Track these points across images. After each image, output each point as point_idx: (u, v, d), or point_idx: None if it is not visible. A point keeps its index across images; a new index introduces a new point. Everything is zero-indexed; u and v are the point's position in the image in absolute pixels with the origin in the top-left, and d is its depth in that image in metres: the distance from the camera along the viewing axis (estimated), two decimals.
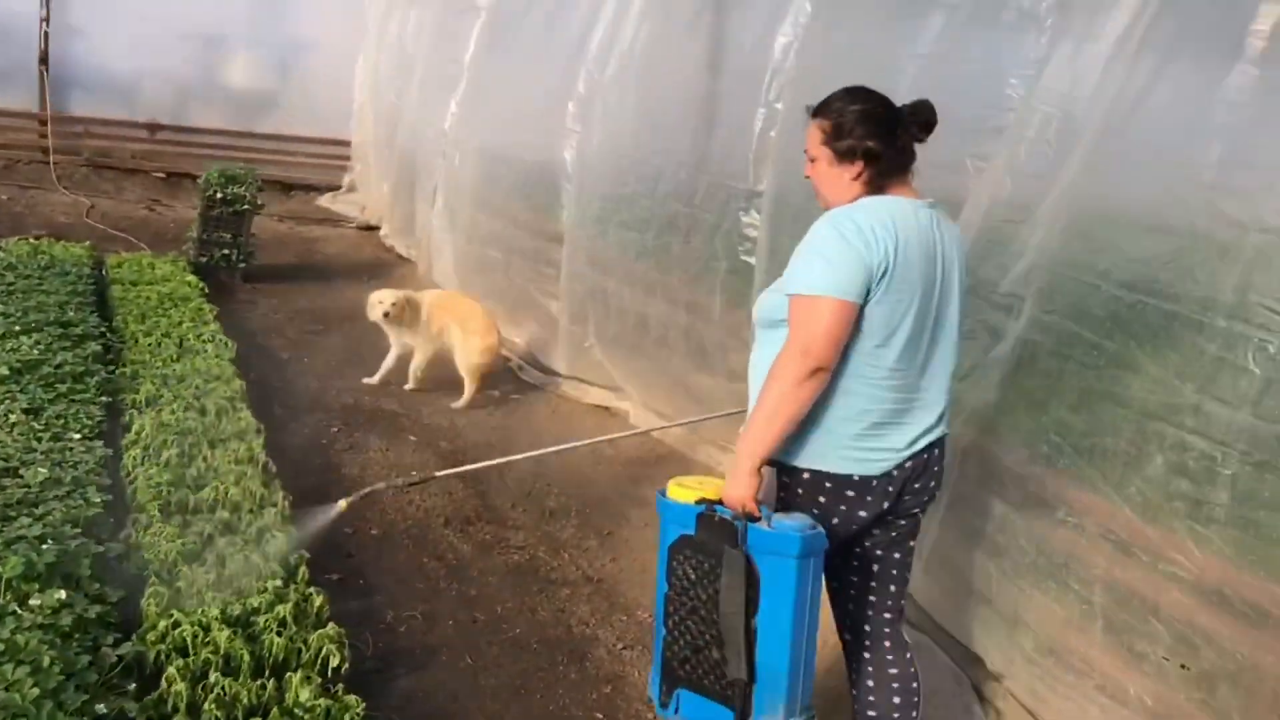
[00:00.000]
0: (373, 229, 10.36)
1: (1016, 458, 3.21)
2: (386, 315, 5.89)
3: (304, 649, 3.00)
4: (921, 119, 2.69)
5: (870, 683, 2.89)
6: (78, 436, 4.07)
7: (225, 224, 7.91)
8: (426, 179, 8.55)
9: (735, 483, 2.60)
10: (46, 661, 2.61)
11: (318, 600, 3.24)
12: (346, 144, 11.65)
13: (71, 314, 5.63)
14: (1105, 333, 2.96)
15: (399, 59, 9.84)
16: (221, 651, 2.90)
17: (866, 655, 2.89)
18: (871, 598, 2.86)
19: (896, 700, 2.85)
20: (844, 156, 2.69)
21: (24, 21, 10.97)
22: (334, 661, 2.99)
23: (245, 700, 2.75)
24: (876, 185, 2.68)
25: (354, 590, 3.80)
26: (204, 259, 7.81)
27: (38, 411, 4.23)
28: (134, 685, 2.77)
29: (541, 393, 6.27)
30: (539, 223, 6.58)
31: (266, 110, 12.20)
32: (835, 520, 2.68)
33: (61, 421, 4.18)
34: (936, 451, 2.77)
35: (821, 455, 2.66)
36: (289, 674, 2.88)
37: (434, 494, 4.69)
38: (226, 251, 7.90)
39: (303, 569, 3.44)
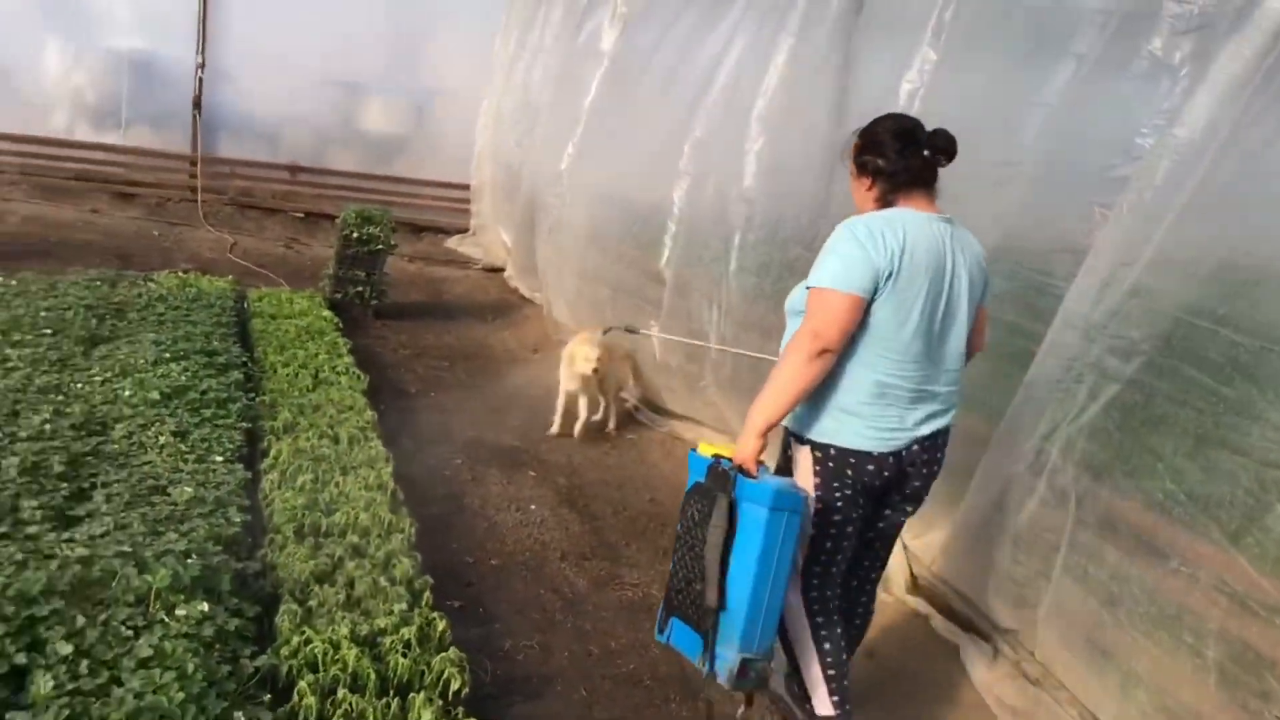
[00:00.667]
0: (497, 270, 10.63)
1: (1131, 504, 3.15)
2: (596, 371, 5.85)
3: (426, 671, 3.11)
4: (939, 144, 3.03)
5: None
6: (220, 459, 4.30)
7: (360, 262, 8.21)
8: (545, 219, 8.77)
9: (743, 442, 2.99)
10: (191, 668, 2.78)
11: (440, 625, 3.35)
12: None
13: (216, 343, 5.94)
14: (1224, 379, 2.91)
15: (523, 104, 10.13)
16: (349, 669, 3.02)
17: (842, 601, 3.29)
18: (863, 562, 3.34)
19: (855, 632, 3.42)
20: (860, 170, 3.12)
21: (181, 68, 11.68)
22: (455, 685, 3.09)
23: (371, 717, 2.87)
24: (887, 198, 3.05)
25: (474, 618, 3.91)
26: (339, 295, 8.12)
27: (185, 434, 4.49)
28: (268, 696, 2.91)
29: (655, 433, 6.35)
30: (644, 261, 6.69)
31: (399, 154, 12.69)
32: (857, 487, 3.07)
33: (206, 445, 4.42)
34: (940, 440, 3.14)
35: (839, 432, 3.04)
36: (412, 694, 2.99)
37: (551, 528, 4.79)
38: (360, 289, 8.20)
39: (426, 594, 3.56)
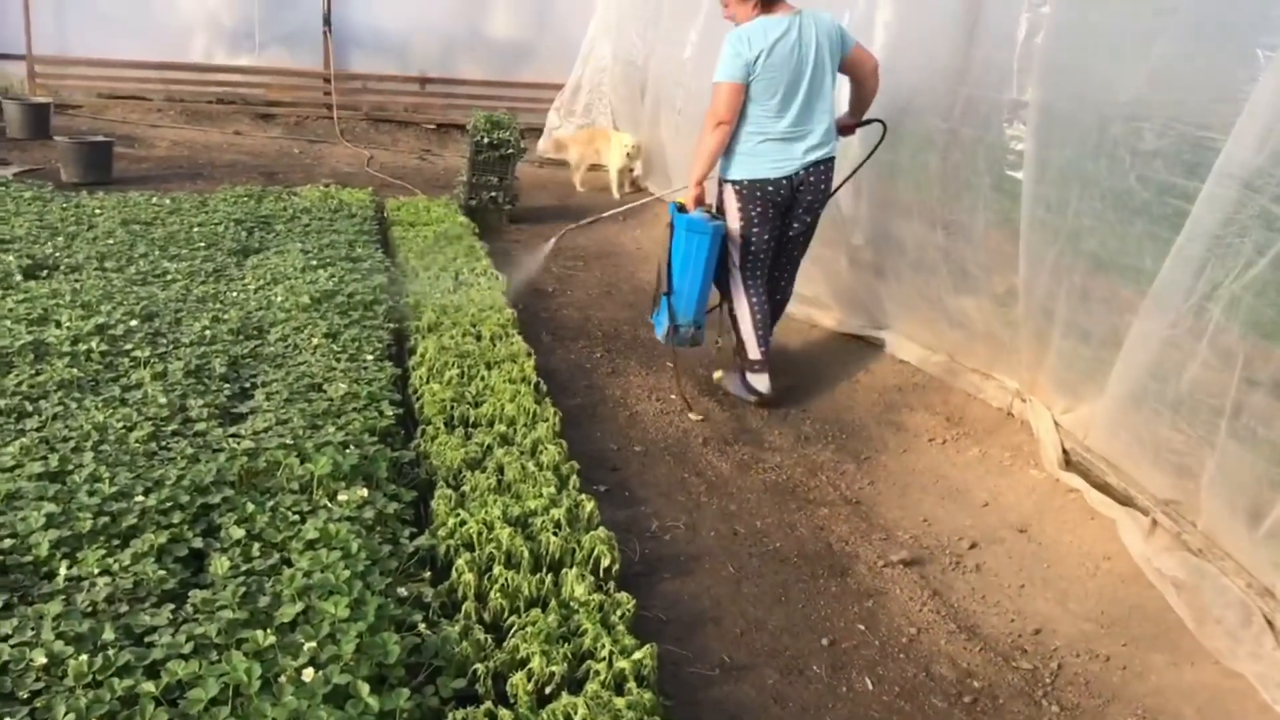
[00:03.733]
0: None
1: None
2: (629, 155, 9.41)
3: (578, 549, 3.18)
4: None
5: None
6: (370, 357, 4.44)
7: (492, 168, 8.29)
8: (670, 113, 8.65)
9: (686, 192, 4.84)
10: (355, 548, 2.90)
11: (588, 506, 3.42)
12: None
13: (360, 250, 6.12)
14: None
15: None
16: (504, 548, 3.11)
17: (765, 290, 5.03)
18: (781, 259, 5.05)
19: (772, 312, 5.09)
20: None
21: None
22: (605, 562, 3.15)
23: (527, 591, 2.95)
24: (766, 9, 4.60)
25: (620, 500, 3.98)
26: (473, 202, 8.25)
27: (336, 335, 4.64)
28: (428, 574, 3.03)
29: (794, 323, 6.28)
30: None
31: (524, 60, 12.67)
32: (765, 205, 4.76)
33: (356, 344, 4.56)
34: (824, 165, 4.76)
35: (747, 169, 4.72)
36: (565, 570, 3.06)
37: (692, 415, 4.82)
38: (493, 194, 8.30)
39: (573, 478, 3.63)
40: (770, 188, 4.69)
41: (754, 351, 4.92)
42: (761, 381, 4.94)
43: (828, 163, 4.76)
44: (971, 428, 4.80)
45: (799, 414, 4.98)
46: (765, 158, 4.65)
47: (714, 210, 4.90)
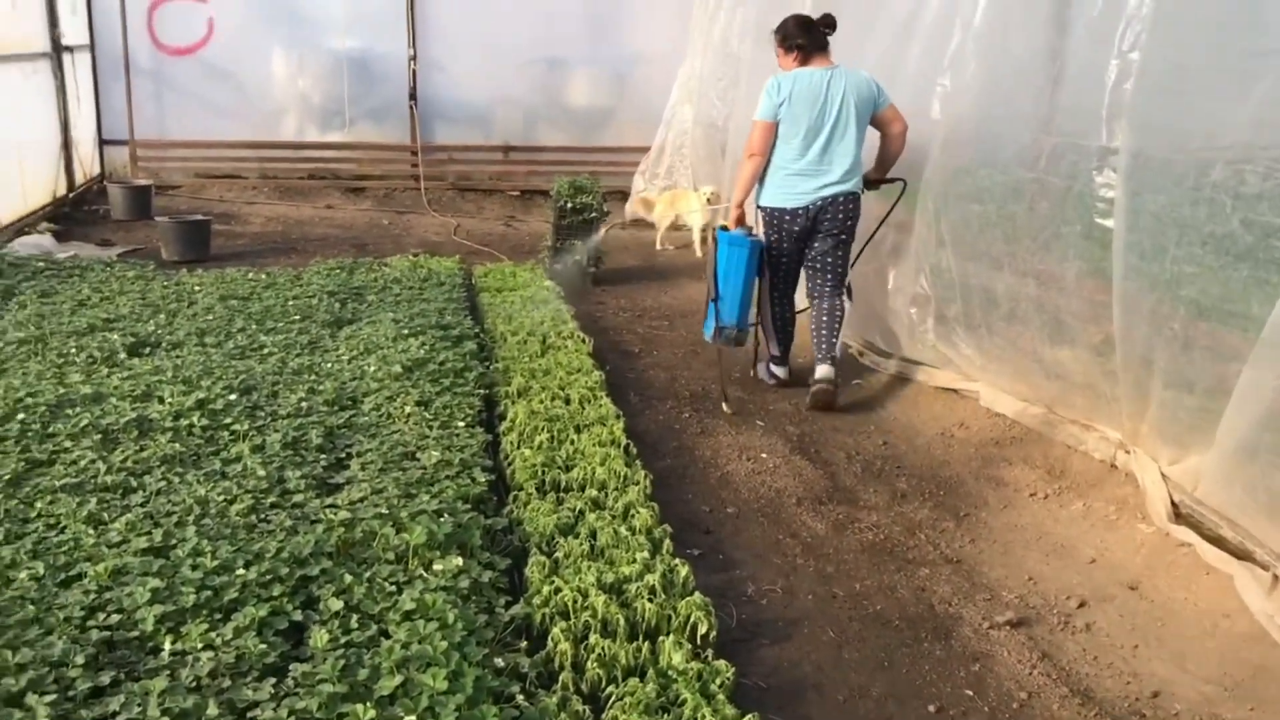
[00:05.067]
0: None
1: None
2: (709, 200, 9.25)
3: (674, 615, 3.14)
4: (826, 22, 5.44)
5: (815, 312, 5.72)
6: (462, 424, 4.48)
7: (576, 232, 8.38)
8: None
9: (729, 214, 5.72)
10: (451, 619, 2.90)
11: (683, 571, 3.38)
12: None
13: (449, 318, 6.21)
14: None
15: (723, 57, 10.01)
16: (599, 615, 3.09)
17: (815, 302, 5.73)
18: (818, 279, 5.71)
19: (825, 319, 5.65)
20: (787, 50, 5.52)
21: (396, 63, 12.24)
22: (702, 629, 3.10)
23: (624, 660, 2.92)
24: (805, 60, 5.42)
25: (714, 564, 3.92)
26: (558, 266, 8.32)
27: (427, 403, 4.70)
28: (524, 643, 3.01)
29: (884, 377, 6.20)
30: None
31: (605, 124, 12.84)
32: (782, 230, 5.59)
33: (448, 411, 4.61)
34: (843, 198, 5.47)
35: (770, 198, 5.58)
36: (661, 638, 3.02)
37: (784, 475, 4.76)
38: (578, 258, 8.37)
39: (666, 542, 3.60)
40: (788, 216, 5.52)
41: (774, 348, 5.92)
42: (781, 370, 5.98)
43: (848, 195, 5.47)
44: (1074, 481, 4.66)
45: (894, 470, 4.89)
46: (785, 189, 5.47)
47: (752, 230, 5.77)
